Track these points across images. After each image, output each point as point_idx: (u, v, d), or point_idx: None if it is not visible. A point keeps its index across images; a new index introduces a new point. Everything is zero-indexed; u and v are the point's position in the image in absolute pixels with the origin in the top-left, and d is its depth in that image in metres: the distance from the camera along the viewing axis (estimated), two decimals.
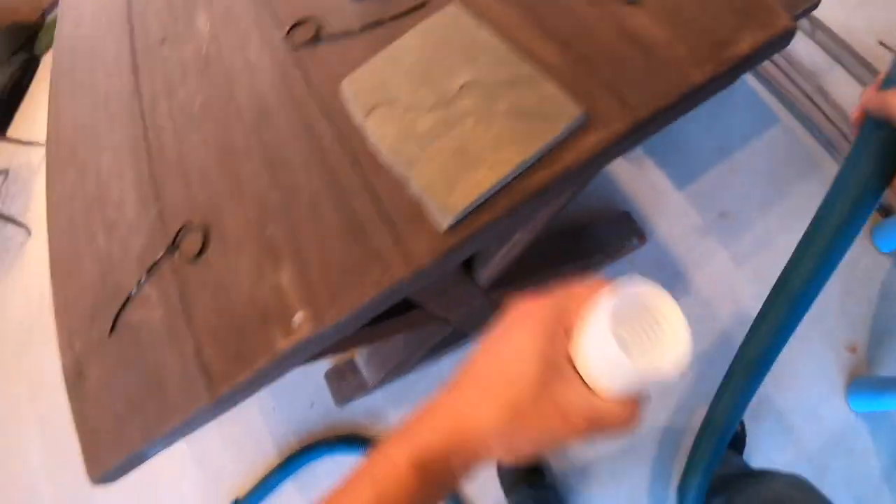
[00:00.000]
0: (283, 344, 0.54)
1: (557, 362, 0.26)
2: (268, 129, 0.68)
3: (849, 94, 1.42)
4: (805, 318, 0.52)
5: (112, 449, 0.60)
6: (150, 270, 0.65)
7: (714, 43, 0.55)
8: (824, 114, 1.39)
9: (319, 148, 0.62)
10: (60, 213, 0.83)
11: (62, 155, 0.90)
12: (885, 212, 1.25)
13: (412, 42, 0.62)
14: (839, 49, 1.51)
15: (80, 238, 0.77)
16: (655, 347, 0.27)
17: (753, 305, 1.21)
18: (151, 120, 0.81)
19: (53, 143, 0.92)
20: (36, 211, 2.49)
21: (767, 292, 0.53)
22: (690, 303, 1.26)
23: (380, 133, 0.56)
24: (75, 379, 0.66)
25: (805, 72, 1.47)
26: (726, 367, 0.58)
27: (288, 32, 0.73)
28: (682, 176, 1.41)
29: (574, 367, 0.26)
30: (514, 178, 0.52)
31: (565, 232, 1.34)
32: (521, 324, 0.27)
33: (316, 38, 0.70)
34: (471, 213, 0.52)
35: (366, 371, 1.32)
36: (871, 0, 1.56)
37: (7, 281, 2.37)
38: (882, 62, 1.46)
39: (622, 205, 1.40)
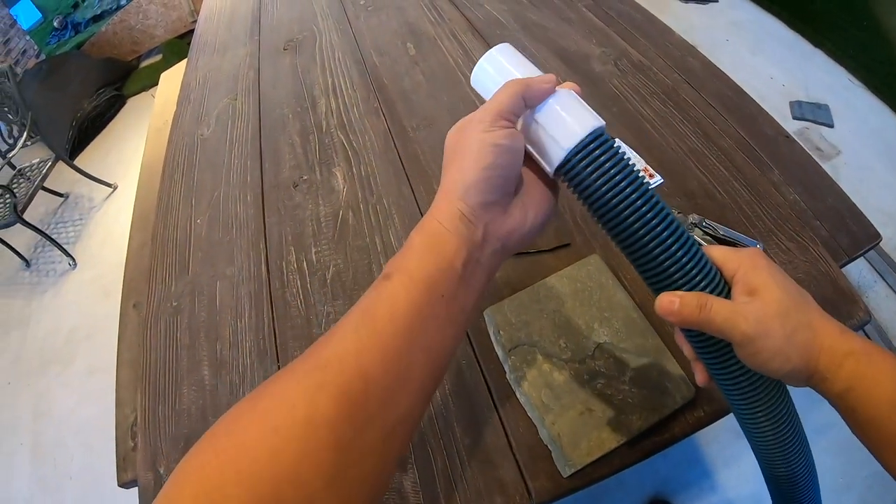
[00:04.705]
0: None
1: (483, 123, 0.38)
2: None
3: (891, 311, 1.53)
4: None
5: None
6: None
7: None
8: (865, 333, 1.47)
9: (455, 363, 0.68)
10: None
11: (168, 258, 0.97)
12: None
13: (557, 286, 0.69)
14: (885, 265, 1.61)
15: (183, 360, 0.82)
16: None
17: None
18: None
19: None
20: (85, 245, 2.56)
21: None
22: (716, 501, 1.30)
23: (519, 373, 0.63)
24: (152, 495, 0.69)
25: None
26: None
27: None
28: None
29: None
30: (630, 440, 0.60)
31: None
32: (465, 124, 0.39)
33: None
34: (589, 465, 0.59)
35: None
36: None
37: (42, 302, 2.39)
38: None
39: None
